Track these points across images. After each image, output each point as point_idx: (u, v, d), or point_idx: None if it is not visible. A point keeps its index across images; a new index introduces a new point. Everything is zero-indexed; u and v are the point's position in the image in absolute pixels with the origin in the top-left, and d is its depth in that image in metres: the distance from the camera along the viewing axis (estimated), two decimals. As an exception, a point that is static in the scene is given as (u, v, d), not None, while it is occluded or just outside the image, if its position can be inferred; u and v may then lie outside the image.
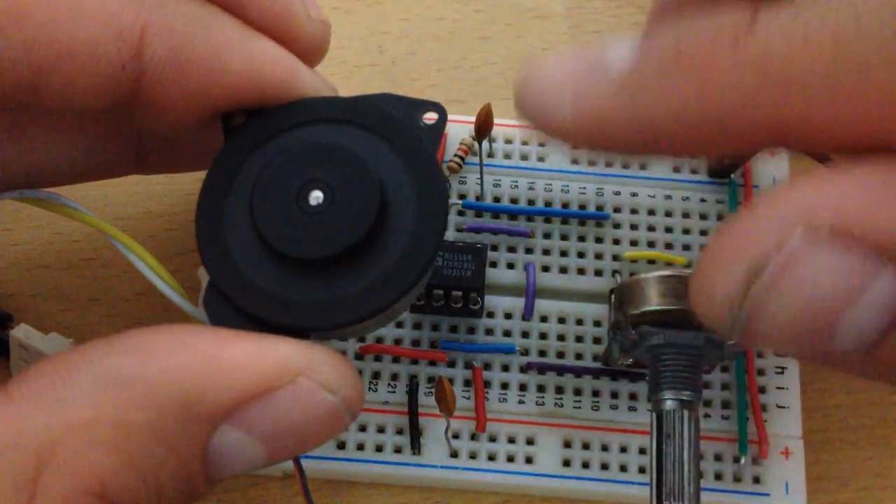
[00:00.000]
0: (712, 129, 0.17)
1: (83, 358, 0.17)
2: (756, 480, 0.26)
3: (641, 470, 0.26)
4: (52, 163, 0.24)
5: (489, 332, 0.27)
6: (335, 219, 0.20)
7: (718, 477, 0.26)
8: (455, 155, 0.29)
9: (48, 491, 0.16)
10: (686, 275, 0.24)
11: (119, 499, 0.17)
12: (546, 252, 0.28)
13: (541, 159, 0.29)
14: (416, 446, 0.26)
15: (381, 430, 0.26)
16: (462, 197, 0.29)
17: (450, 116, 0.29)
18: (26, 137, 0.23)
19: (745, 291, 0.16)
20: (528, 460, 0.26)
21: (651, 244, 0.28)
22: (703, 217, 0.29)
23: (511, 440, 0.26)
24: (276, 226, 0.20)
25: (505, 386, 0.27)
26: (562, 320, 0.28)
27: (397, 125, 0.21)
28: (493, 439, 0.26)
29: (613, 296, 0.25)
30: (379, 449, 0.26)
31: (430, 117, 0.22)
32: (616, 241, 0.28)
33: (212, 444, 0.18)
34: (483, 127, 0.28)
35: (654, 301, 0.24)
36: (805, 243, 0.15)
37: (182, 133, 0.22)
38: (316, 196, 0.20)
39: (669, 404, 0.24)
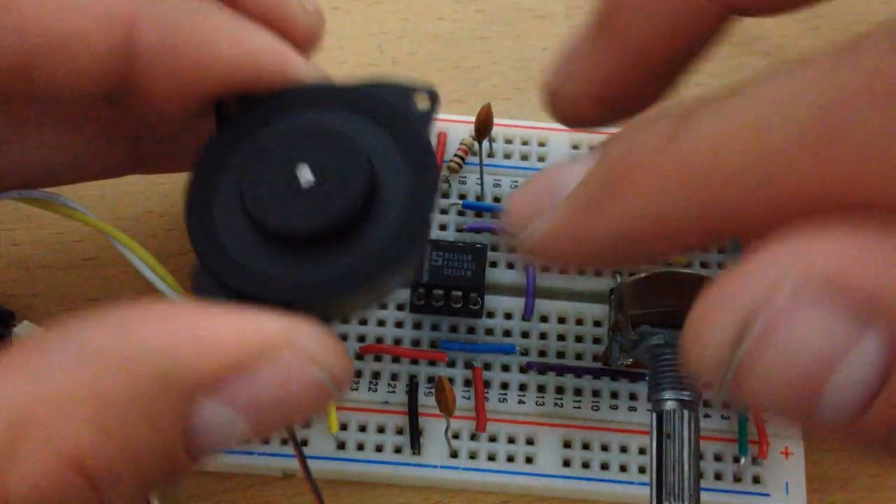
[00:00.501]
0: (658, 238, 0.18)
1: (64, 333, 0.17)
2: (756, 480, 0.26)
3: (641, 470, 0.26)
4: (51, 160, 0.24)
5: (489, 332, 0.27)
6: (323, 196, 0.20)
7: (718, 477, 0.26)
8: (455, 155, 0.29)
9: (24, 462, 0.16)
10: (686, 273, 0.24)
11: (97, 471, 0.16)
12: (546, 252, 0.28)
13: (541, 159, 0.29)
14: (416, 446, 0.26)
15: (381, 430, 0.26)
16: (462, 197, 0.29)
17: (450, 116, 0.30)
18: (24, 133, 0.23)
19: (733, 347, 0.16)
20: (529, 460, 0.26)
21: (651, 244, 0.28)
22: (703, 217, 0.29)
23: (511, 440, 0.26)
24: (264, 203, 0.20)
25: (505, 386, 0.27)
26: (562, 320, 0.28)
27: (389, 109, 0.21)
28: (493, 439, 0.26)
29: (613, 296, 0.25)
30: (379, 449, 0.26)
31: (423, 100, 0.22)
32: (616, 241, 0.28)
33: (192, 418, 0.17)
34: (483, 127, 0.28)
35: (654, 301, 0.24)
36: (793, 300, 0.15)
37: (177, 124, 0.22)
38: (305, 175, 0.20)
39: (670, 404, 0.24)
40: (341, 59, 0.32)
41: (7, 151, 0.23)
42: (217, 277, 0.20)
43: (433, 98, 0.22)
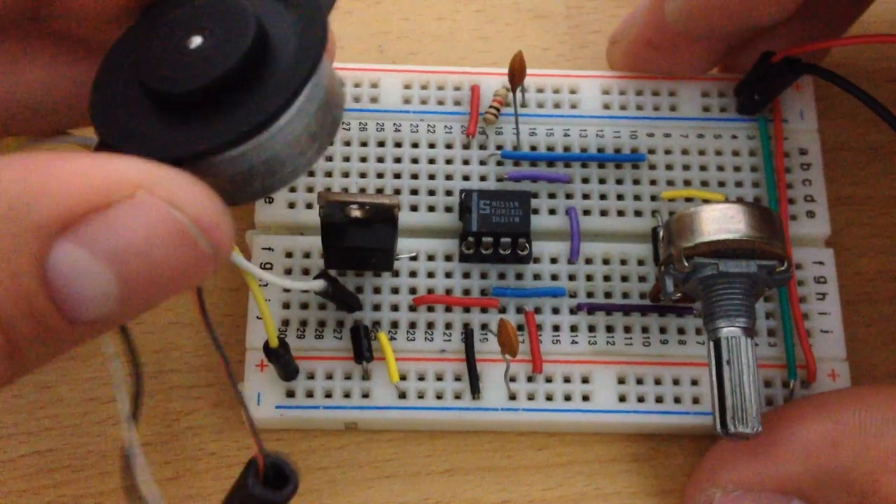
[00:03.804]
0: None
1: None
2: (806, 403, 0.27)
3: (695, 400, 0.27)
4: (48, 101, 0.24)
5: (537, 277, 0.28)
6: (210, 56, 0.20)
7: (770, 402, 0.27)
8: (490, 107, 0.29)
9: None
10: (734, 203, 0.25)
11: None
12: (586, 196, 0.29)
13: (573, 106, 0.30)
14: (475, 391, 0.27)
15: (439, 377, 0.27)
16: (499, 147, 0.29)
17: (483, 69, 0.30)
18: (20, 70, 0.23)
19: None
20: (585, 398, 0.27)
21: (687, 183, 0.29)
22: (735, 154, 0.29)
23: (567, 380, 0.27)
24: (154, 69, 0.20)
25: (557, 328, 0.28)
26: (606, 261, 0.28)
27: None
28: (549, 380, 0.27)
29: (663, 231, 0.26)
30: (439, 396, 0.27)
31: None
32: (653, 182, 0.29)
33: (50, 262, 0.16)
34: (516, 74, 0.28)
35: (707, 233, 0.24)
36: (724, 499, 0.25)
37: (106, 29, 0.22)
38: (195, 40, 0.20)
39: (726, 331, 0.24)
40: (341, 59, 0.32)
41: (3, 86, 0.23)
42: (110, 146, 0.20)
43: None
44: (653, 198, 0.29)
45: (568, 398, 0.27)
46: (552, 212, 0.29)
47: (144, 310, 0.18)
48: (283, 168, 0.21)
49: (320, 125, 0.21)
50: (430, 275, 0.28)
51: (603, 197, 0.29)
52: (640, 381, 0.27)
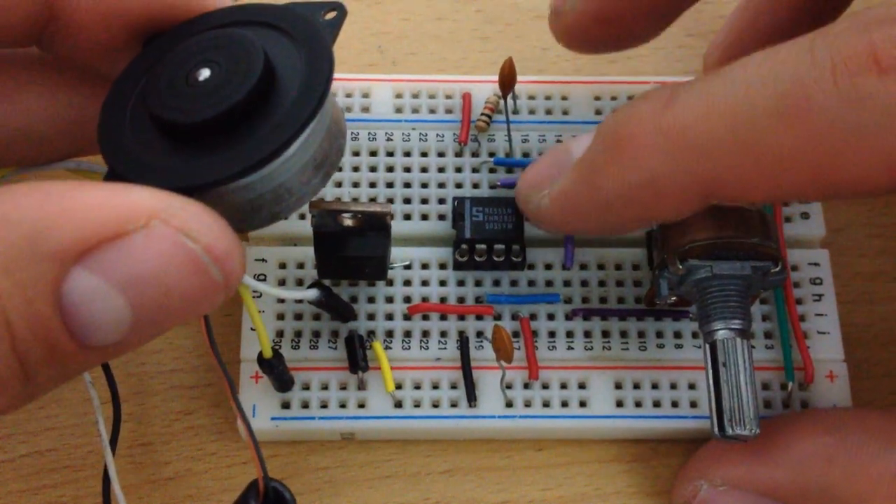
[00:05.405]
0: (652, 195, 0.22)
1: None
2: (804, 405, 0.27)
3: (693, 404, 0.27)
4: (45, 130, 0.24)
5: (531, 283, 0.28)
6: (218, 89, 0.20)
7: (767, 405, 0.27)
8: (482, 114, 0.29)
9: None
10: (726, 206, 0.25)
11: None
12: (579, 202, 0.29)
13: (565, 112, 0.30)
14: (472, 399, 0.26)
15: (435, 386, 0.27)
16: (492, 155, 0.29)
17: (474, 77, 0.30)
18: (19, 98, 0.23)
19: None
20: (583, 404, 0.27)
21: (680, 186, 0.29)
22: (728, 157, 0.29)
23: (564, 386, 0.27)
24: (164, 100, 0.21)
25: (552, 334, 0.27)
26: (601, 267, 0.28)
27: (295, 18, 0.22)
28: (545, 386, 0.27)
29: (656, 233, 0.26)
30: (436, 405, 0.27)
31: (331, 14, 0.23)
32: (646, 187, 0.29)
33: (65, 289, 0.17)
34: (507, 81, 0.28)
35: (699, 234, 0.24)
36: (710, 492, 0.25)
37: (109, 59, 0.23)
38: (204, 73, 0.21)
39: (722, 334, 0.24)
40: (341, 60, 0.32)
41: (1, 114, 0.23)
42: (120, 176, 0.20)
43: (339, 10, 0.23)
44: (646, 202, 0.29)
45: (565, 404, 0.27)
46: (546, 218, 0.28)
47: (154, 336, 0.18)
48: (290, 196, 0.21)
49: (326, 154, 0.22)
50: (425, 283, 0.28)
51: (596, 202, 0.29)
52: (637, 386, 0.27)
